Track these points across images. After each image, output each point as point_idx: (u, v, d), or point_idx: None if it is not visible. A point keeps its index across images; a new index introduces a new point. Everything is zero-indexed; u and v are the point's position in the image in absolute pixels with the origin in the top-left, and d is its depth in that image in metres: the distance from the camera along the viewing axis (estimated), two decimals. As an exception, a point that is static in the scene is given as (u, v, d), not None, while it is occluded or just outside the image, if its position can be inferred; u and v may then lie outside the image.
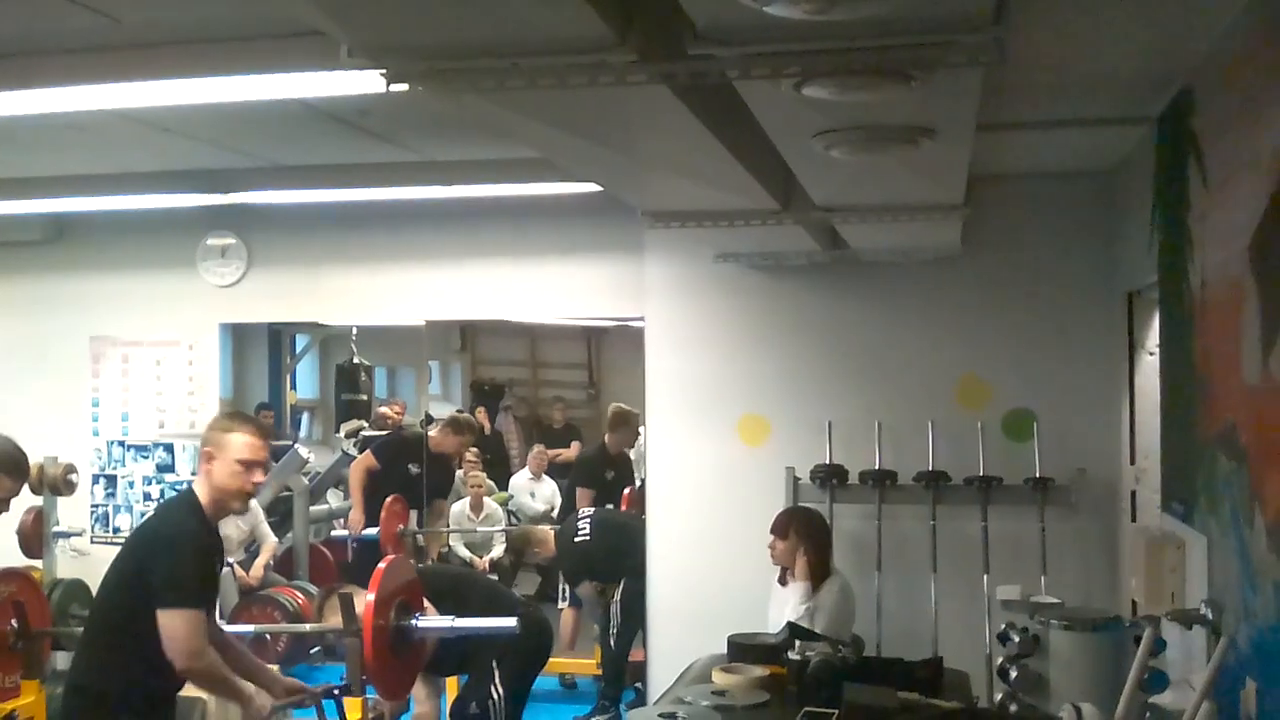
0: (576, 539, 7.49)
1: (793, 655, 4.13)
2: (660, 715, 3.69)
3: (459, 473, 10.56)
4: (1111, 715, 3.51)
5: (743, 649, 4.36)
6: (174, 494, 5.80)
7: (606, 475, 8.79)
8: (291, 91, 3.97)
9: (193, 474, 7.37)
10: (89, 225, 7.48)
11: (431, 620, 4.69)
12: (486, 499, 9.69)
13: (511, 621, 4.83)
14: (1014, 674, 3.92)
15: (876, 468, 6.12)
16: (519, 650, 5.66)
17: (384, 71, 2.71)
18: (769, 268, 6.24)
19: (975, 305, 6.19)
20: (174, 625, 3.71)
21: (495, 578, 8.23)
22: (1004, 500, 5.99)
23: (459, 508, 9.61)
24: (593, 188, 5.61)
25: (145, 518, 4.75)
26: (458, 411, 10.08)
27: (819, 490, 6.16)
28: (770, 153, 3.87)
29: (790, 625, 4.55)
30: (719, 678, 4.08)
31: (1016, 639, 3.94)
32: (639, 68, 2.59)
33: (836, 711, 3.63)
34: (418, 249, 7.15)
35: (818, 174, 4.03)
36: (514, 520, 9.75)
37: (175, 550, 3.79)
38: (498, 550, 9.29)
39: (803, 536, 5.54)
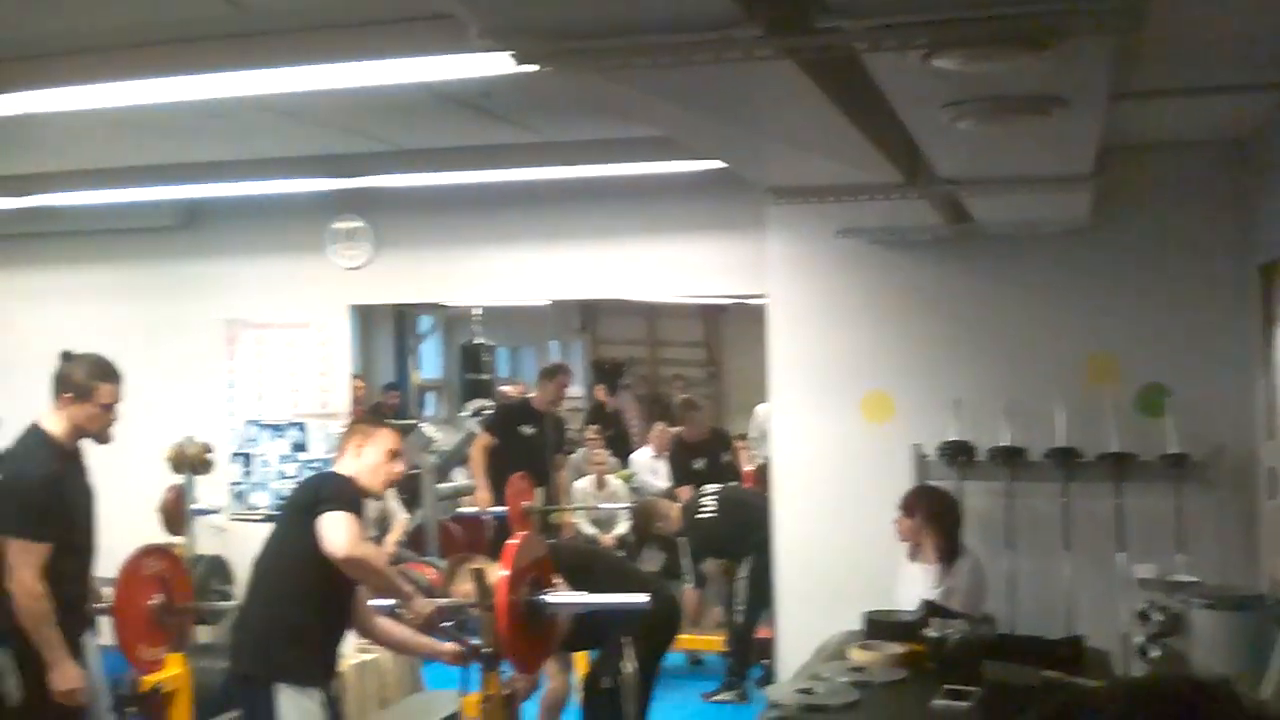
0: (701, 515, 7.50)
1: (931, 632, 4.10)
2: (798, 691, 3.69)
3: (582, 450, 10.68)
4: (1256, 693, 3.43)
5: (879, 626, 4.34)
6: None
7: (695, 465, 8.84)
8: (417, 75, 4.01)
9: (327, 452, 7.58)
10: (220, 211, 7.65)
11: (563, 596, 4.73)
12: (609, 476, 9.76)
13: (643, 597, 4.83)
14: (1155, 653, 3.85)
15: (1005, 444, 6.02)
16: (650, 627, 5.67)
17: (513, 53, 2.72)
18: (892, 242, 6.17)
19: (1104, 278, 6.05)
20: (332, 521, 4.08)
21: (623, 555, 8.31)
22: (1138, 477, 5.85)
23: (582, 485, 9.69)
24: (713, 165, 5.59)
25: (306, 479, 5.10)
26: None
27: (946, 467, 6.08)
28: (895, 125, 3.82)
29: (927, 603, 4.51)
30: (856, 654, 4.07)
31: (1158, 618, 3.87)
32: (765, 43, 2.57)
33: (976, 689, 3.59)
34: (540, 229, 7.20)
35: (944, 146, 3.97)
36: (637, 497, 9.80)
37: (334, 479, 4.36)
38: (622, 527, 9.36)
39: (931, 515, 5.49)
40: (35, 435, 4.66)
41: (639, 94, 3.20)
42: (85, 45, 4.11)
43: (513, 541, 4.51)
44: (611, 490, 9.66)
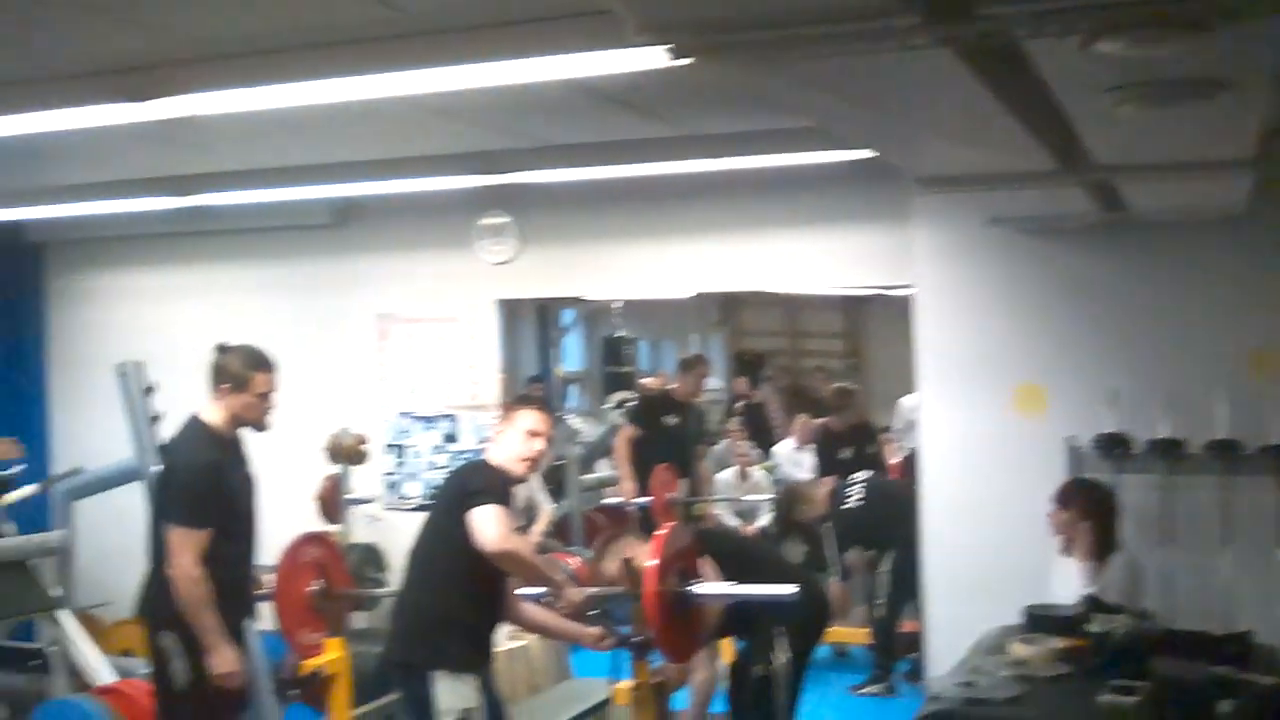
0: (847, 504, 7.45)
1: (1094, 627, 4.02)
2: (958, 685, 3.66)
3: (724, 443, 10.69)
4: None
5: (1040, 620, 4.28)
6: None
7: (839, 455, 8.78)
8: (570, 72, 4.06)
9: (477, 443, 7.72)
10: (372, 208, 7.84)
11: (710, 586, 4.76)
12: (752, 468, 9.76)
13: (791, 589, 4.83)
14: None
15: (1163, 437, 5.87)
16: (801, 620, 5.65)
17: (670, 47, 2.75)
18: (1044, 230, 6.06)
19: (1263, 265, 5.87)
20: (482, 515, 4.17)
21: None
22: (1302, 470, 5.68)
23: (725, 477, 9.71)
24: (857, 155, 5.58)
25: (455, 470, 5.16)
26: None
27: (1101, 460, 5.96)
28: (1049, 111, 3.75)
29: (1089, 597, 4.43)
30: (1017, 649, 4.01)
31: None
32: (923, 31, 2.55)
33: (1143, 685, 3.52)
34: (683, 222, 7.23)
35: (1104, 132, 3.89)
36: (779, 489, 9.79)
37: (483, 470, 4.46)
38: (764, 519, 9.35)
39: (1086, 509, 5.38)
40: (194, 426, 4.81)
41: (792, 85, 3.21)
42: (244, 49, 4.24)
43: (660, 532, 4.56)
44: (754, 482, 9.67)
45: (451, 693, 4.26)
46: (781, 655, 5.40)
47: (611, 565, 4.82)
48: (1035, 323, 6.24)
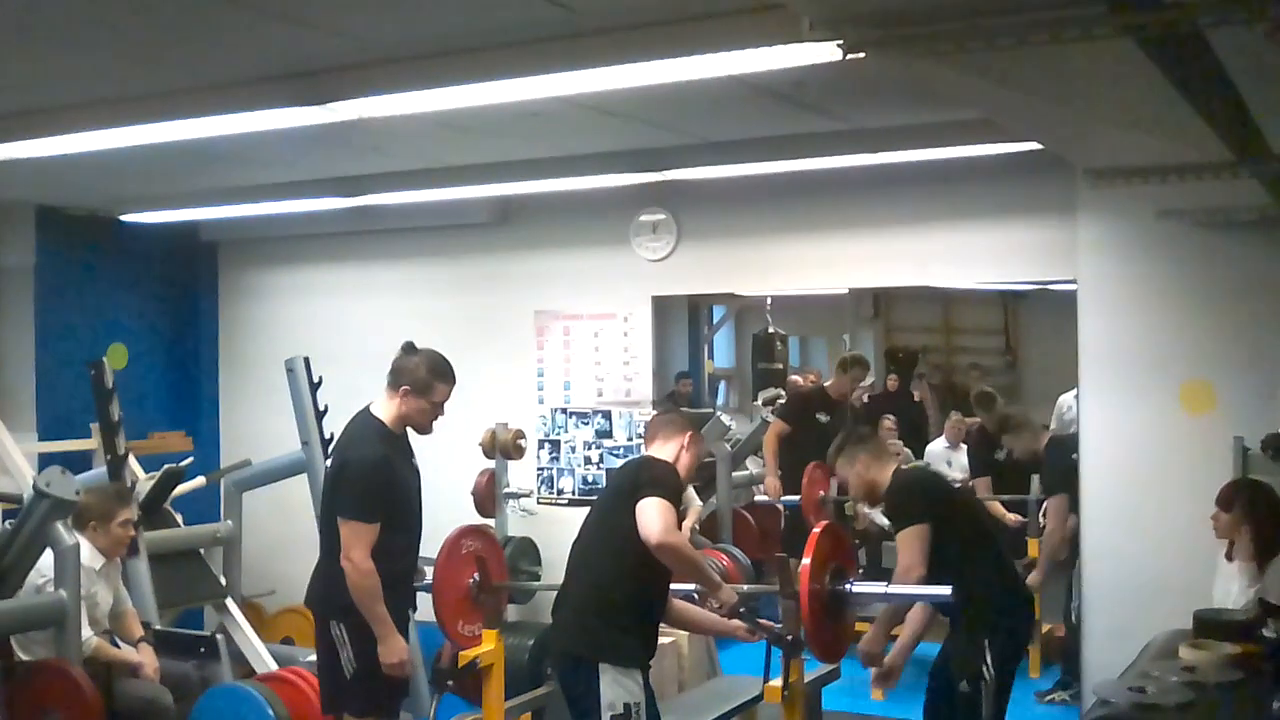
0: (1075, 455, 6.66)
1: (1268, 633, 3.92)
2: (1130, 689, 3.60)
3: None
4: None
5: (1210, 625, 4.17)
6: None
7: (997, 456, 8.61)
8: (738, 68, 4.08)
9: (628, 439, 7.79)
10: (531, 206, 7.94)
11: (865, 586, 4.72)
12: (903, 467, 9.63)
13: (946, 590, 4.63)
14: None
15: (1336, 437, 5.68)
16: (1015, 627, 5.16)
17: (840, 41, 2.76)
18: (1215, 224, 5.89)
19: None
20: (650, 507, 4.22)
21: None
22: None
23: None
24: (1019, 148, 5.50)
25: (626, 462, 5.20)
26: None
27: (1270, 462, 5.77)
28: (1228, 101, 3.67)
29: (1263, 602, 4.31)
30: (1187, 654, 3.93)
31: None
32: (1107, 20, 2.53)
33: (1319, 693, 3.43)
34: (839, 217, 7.19)
35: (1284, 122, 3.80)
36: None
37: (657, 464, 4.48)
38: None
39: (1248, 511, 5.21)
40: (366, 420, 4.90)
41: (965, 77, 3.20)
42: (416, 53, 4.36)
43: (815, 531, 4.55)
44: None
45: (616, 686, 4.30)
46: (990, 669, 4.91)
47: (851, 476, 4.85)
48: (1203, 318, 6.06)
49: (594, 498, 7.42)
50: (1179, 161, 4.50)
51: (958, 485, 8.58)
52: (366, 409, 4.94)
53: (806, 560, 4.39)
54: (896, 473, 5.21)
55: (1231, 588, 5.14)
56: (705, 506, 9.04)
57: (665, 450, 4.58)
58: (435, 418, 5.01)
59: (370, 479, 4.71)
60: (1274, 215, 5.61)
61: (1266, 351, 5.93)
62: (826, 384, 9.06)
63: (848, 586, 4.56)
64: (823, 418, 8.47)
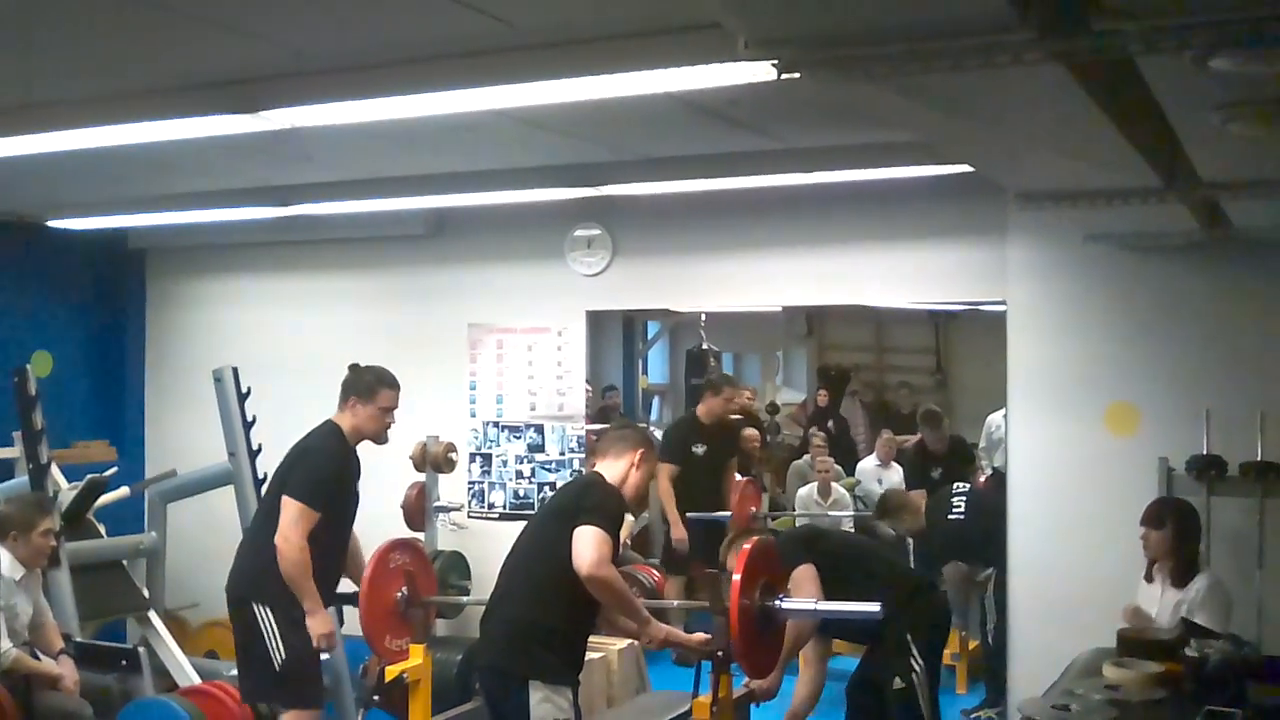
0: (950, 516, 7.22)
1: (1189, 652, 3.98)
2: (1054, 708, 3.63)
3: (805, 457, 10.65)
4: None
5: (1134, 644, 4.22)
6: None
7: (932, 473, 8.69)
8: (674, 85, 4.08)
9: (561, 453, 7.77)
10: (466, 219, 7.91)
11: (795, 602, 4.74)
12: (834, 484, 9.69)
13: (875, 607, 4.71)
14: None
15: (1258, 459, 5.78)
16: (931, 625, 5.59)
17: (775, 61, 2.77)
18: (1143, 248, 5.99)
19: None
20: (586, 536, 4.21)
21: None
22: (1401, 494, 5.57)
23: (806, 492, 9.66)
24: (951, 170, 5.56)
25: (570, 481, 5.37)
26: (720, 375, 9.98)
27: (1194, 482, 5.87)
28: (1154, 128, 3.74)
29: (1184, 621, 4.38)
30: (1111, 672, 3.98)
31: None
32: (1037, 46, 2.55)
33: (1240, 712, 3.48)
34: (774, 236, 7.22)
35: (1210, 149, 3.86)
36: (861, 506, 9.73)
37: (601, 488, 4.49)
38: (848, 533, 9.30)
39: (1180, 529, 5.31)
40: (329, 426, 5.26)
41: (898, 99, 3.22)
42: (352, 63, 4.32)
43: (746, 546, 4.56)
44: (836, 498, 9.59)
45: (546, 703, 4.28)
46: (918, 661, 5.30)
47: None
48: (1130, 341, 6.16)
49: (526, 512, 7.46)
50: (1108, 186, 4.56)
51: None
52: (330, 420, 5.29)
53: (737, 576, 4.40)
54: (775, 536, 5.58)
55: (1153, 606, 5.22)
56: (637, 521, 9.04)
57: (614, 468, 4.55)
58: (387, 425, 5.34)
59: (325, 469, 5.10)
60: (1200, 240, 5.71)
61: (1191, 374, 6.03)
62: (698, 408, 8.77)
63: (778, 602, 4.58)
64: (699, 450, 8.40)
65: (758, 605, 4.49)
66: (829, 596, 4.98)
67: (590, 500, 4.37)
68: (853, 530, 9.08)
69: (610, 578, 4.27)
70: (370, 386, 5.25)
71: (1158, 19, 2.47)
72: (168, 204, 7.52)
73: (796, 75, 2.82)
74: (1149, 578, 5.37)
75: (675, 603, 6.63)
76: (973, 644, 7.85)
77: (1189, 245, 5.84)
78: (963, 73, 2.71)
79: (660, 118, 5.11)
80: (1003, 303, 6.47)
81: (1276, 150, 3.85)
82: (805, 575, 5.14)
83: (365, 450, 5.34)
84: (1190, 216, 5.16)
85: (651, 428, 10.29)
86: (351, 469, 5.30)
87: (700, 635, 4.62)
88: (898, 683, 5.32)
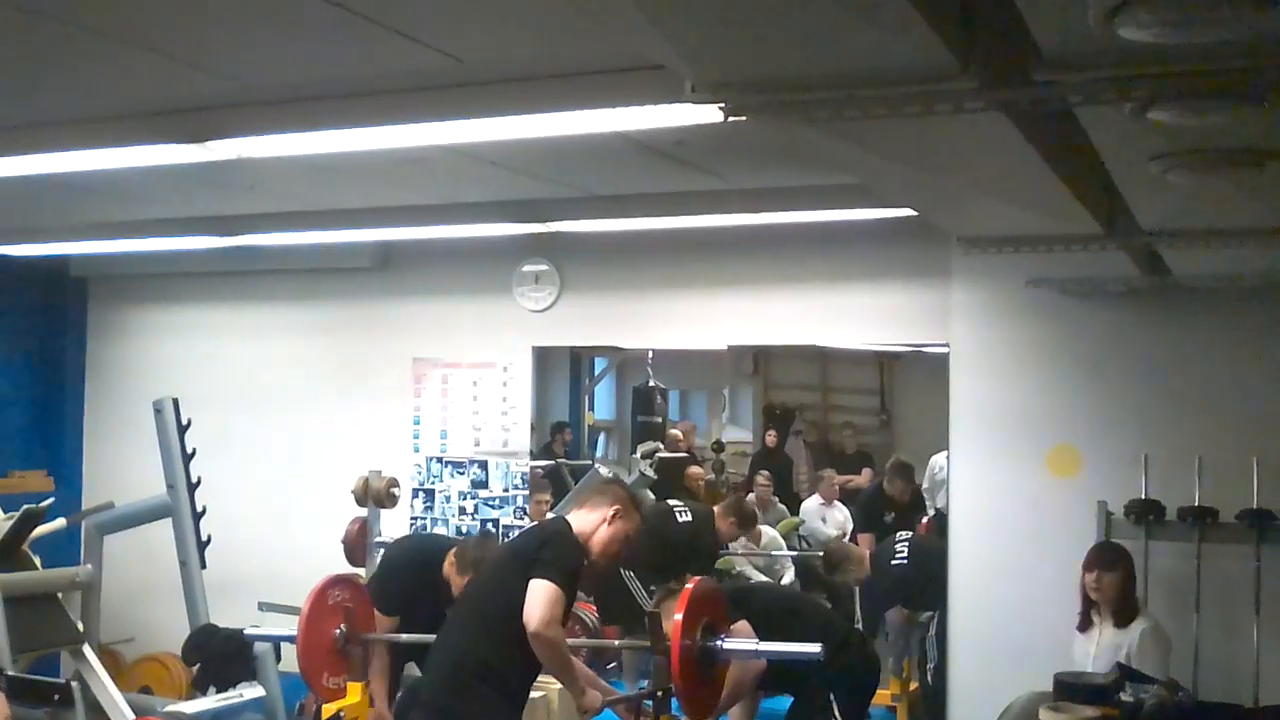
0: (894, 562, 7.32)
1: (1125, 696, 4.00)
2: (989, 748, 3.64)
3: (750, 496, 10.63)
4: None
5: (1070, 688, 4.24)
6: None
7: (886, 518, 8.72)
8: (621, 125, 4.12)
9: (504, 490, 7.73)
10: (413, 252, 7.90)
11: (737, 642, 4.73)
12: (765, 527, 9.50)
13: (815, 648, 4.73)
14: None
15: (1196, 504, 5.84)
16: (855, 681, 5.63)
17: (723, 105, 2.78)
18: (1084, 293, 6.05)
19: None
20: (539, 592, 4.16)
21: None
22: (1337, 542, 5.64)
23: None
24: (896, 213, 5.61)
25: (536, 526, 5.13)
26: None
27: (1133, 526, 5.91)
28: (1095, 175, 3.79)
29: (1120, 665, 4.41)
30: (1047, 716, 3.99)
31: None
32: (978, 95, 2.59)
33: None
34: (721, 275, 7.26)
35: (1149, 198, 3.91)
36: (805, 545, 9.73)
37: (565, 540, 4.36)
38: (787, 577, 9.29)
39: (1129, 572, 5.39)
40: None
41: (842, 143, 3.25)
42: (301, 95, 4.32)
43: (688, 586, 4.55)
44: (767, 541, 9.49)
45: None
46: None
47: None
48: (1071, 385, 6.22)
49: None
50: (1049, 232, 4.61)
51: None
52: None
53: (678, 616, 4.39)
54: None
55: (1090, 649, 5.26)
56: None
57: (586, 520, 4.49)
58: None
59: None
60: (1140, 287, 5.78)
61: (1131, 418, 6.09)
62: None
63: (719, 642, 4.57)
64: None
65: (699, 645, 4.48)
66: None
67: (550, 552, 4.29)
68: (794, 569, 9.11)
69: (555, 640, 4.22)
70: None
71: (1097, 71, 2.50)
72: (111, 232, 7.45)
73: (743, 119, 2.83)
74: (1083, 626, 5.41)
75: (616, 643, 6.62)
76: (913, 685, 7.87)
77: (1129, 291, 5.91)
78: (904, 120, 2.74)
79: (609, 156, 5.13)
80: (946, 345, 6.52)
81: (1214, 200, 3.91)
82: (741, 631, 5.14)
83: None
84: (1131, 263, 5.23)
85: (597, 464, 10.26)
86: None
87: (634, 694, 4.61)
88: None
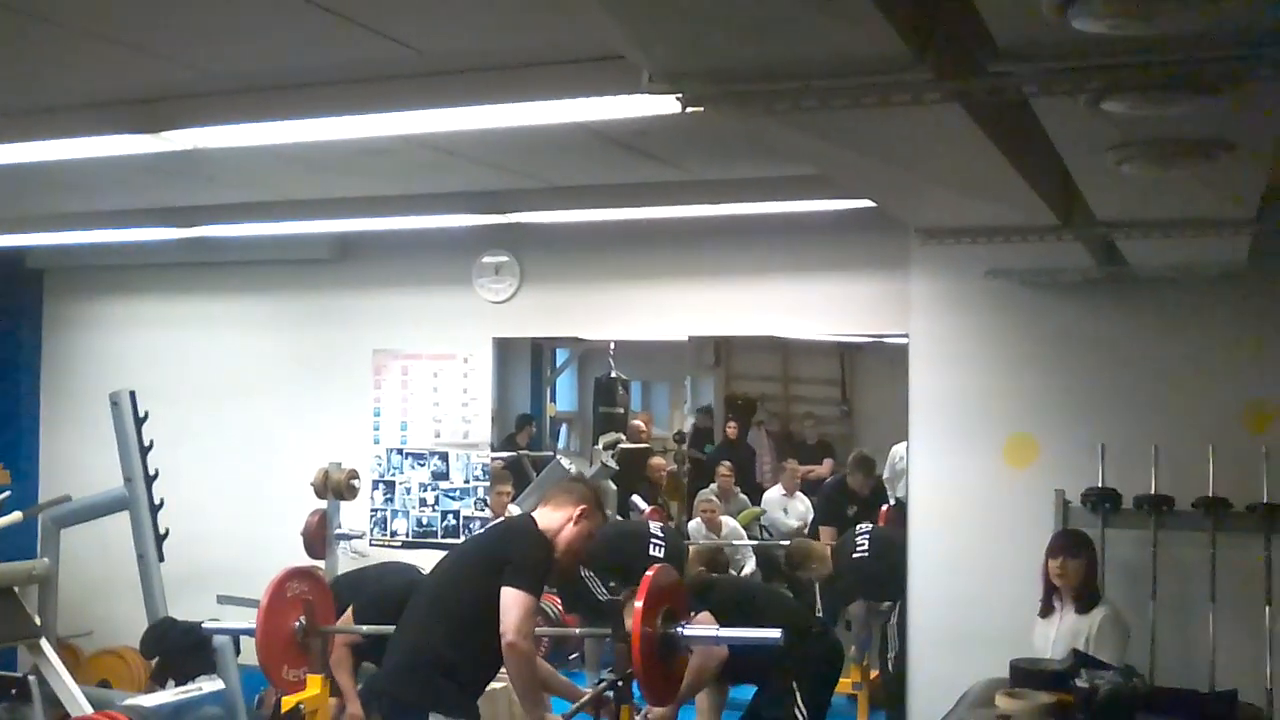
0: (855, 555, 7.38)
1: (1080, 682, 4.04)
2: (947, 735, 3.67)
3: (712, 486, 10.64)
4: None
5: (1026, 674, 4.29)
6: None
7: (848, 511, 8.76)
8: (581, 116, 4.11)
9: (465, 481, 7.71)
10: (372, 244, 7.86)
11: (698, 629, 4.75)
12: (725, 518, 9.53)
13: (776, 633, 4.77)
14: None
15: (1152, 492, 5.90)
16: (818, 670, 5.67)
17: (680, 95, 2.79)
18: (1041, 284, 6.10)
19: (1261, 323, 5.92)
20: (513, 602, 4.18)
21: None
22: (1290, 529, 5.70)
23: (695, 525, 9.61)
24: (856, 204, 5.63)
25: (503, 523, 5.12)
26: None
27: (1090, 514, 5.98)
28: (1052, 167, 3.82)
29: (1076, 652, 4.45)
30: (1003, 702, 4.03)
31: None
32: (935, 86, 2.60)
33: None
34: (682, 266, 7.27)
35: (1104, 189, 3.94)
36: (766, 535, 9.75)
37: (531, 538, 4.38)
38: (749, 567, 9.30)
39: (1091, 558, 5.45)
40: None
41: (800, 134, 3.25)
42: (257, 84, 4.28)
43: (648, 573, 4.56)
44: (728, 531, 9.50)
45: None
46: (802, 710, 5.38)
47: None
48: (1029, 375, 6.26)
49: (428, 540, 7.41)
50: (1007, 223, 4.64)
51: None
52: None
53: (639, 603, 4.40)
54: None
55: (1052, 636, 5.30)
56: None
57: (551, 519, 4.52)
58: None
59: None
60: (1097, 277, 5.83)
61: (1088, 407, 6.14)
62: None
63: (680, 629, 4.58)
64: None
65: (660, 632, 4.49)
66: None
67: (519, 552, 4.33)
68: (755, 559, 9.13)
69: (529, 654, 4.29)
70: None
71: (1052, 62, 2.52)
72: (67, 223, 7.38)
73: (700, 109, 2.84)
74: (1045, 612, 5.46)
75: (578, 630, 6.62)
76: (874, 673, 7.91)
77: (1086, 282, 5.96)
78: (861, 110, 2.75)
79: (568, 146, 5.12)
80: (906, 335, 6.55)
81: (1168, 191, 3.95)
82: (705, 622, 5.19)
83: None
84: (1087, 254, 5.27)
85: (559, 456, 10.24)
86: None
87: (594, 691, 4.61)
88: None
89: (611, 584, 7.02)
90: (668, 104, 2.88)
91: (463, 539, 7.28)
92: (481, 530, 5.16)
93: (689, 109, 2.83)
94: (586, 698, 4.58)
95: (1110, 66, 2.52)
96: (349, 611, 5.70)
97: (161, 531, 7.05)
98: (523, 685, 4.38)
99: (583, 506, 4.54)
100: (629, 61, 2.78)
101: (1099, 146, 3.28)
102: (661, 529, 7.60)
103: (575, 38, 3.44)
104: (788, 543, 8.60)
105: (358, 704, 5.40)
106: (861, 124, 3.08)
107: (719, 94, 2.75)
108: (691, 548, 7.69)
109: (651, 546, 7.30)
